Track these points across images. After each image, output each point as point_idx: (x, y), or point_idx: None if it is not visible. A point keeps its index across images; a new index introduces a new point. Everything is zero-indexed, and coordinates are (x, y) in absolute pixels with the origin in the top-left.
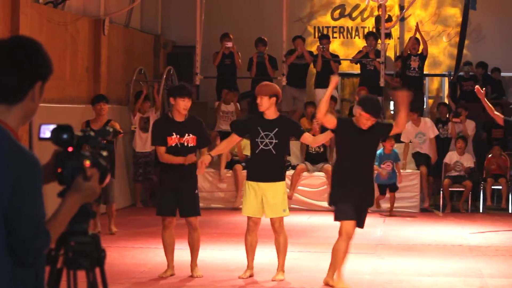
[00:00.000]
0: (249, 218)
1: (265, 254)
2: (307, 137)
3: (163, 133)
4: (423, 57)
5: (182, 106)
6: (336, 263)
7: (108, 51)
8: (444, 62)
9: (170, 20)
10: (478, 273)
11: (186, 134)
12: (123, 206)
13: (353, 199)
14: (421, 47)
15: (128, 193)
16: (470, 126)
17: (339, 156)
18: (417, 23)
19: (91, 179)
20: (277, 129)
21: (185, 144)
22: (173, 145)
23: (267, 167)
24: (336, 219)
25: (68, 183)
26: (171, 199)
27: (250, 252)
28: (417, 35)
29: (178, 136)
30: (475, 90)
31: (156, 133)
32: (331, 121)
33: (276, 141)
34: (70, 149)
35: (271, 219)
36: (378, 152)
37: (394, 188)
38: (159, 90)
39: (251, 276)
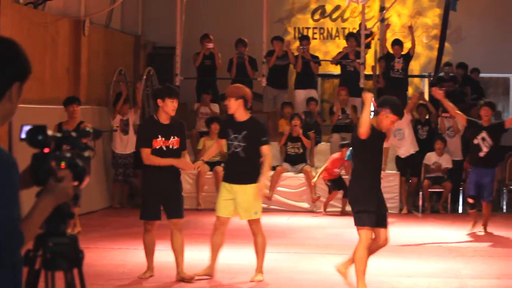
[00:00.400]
0: (217, 217)
1: (244, 255)
2: (263, 150)
3: (149, 135)
4: (408, 57)
5: (171, 107)
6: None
7: (88, 52)
8: (422, 56)
9: (150, 21)
10: (457, 274)
11: (172, 137)
12: (101, 208)
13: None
14: (406, 47)
15: (106, 194)
16: (460, 121)
17: (364, 162)
18: (410, 25)
19: (64, 180)
20: (245, 132)
21: (171, 146)
22: (158, 147)
23: (238, 169)
24: (367, 225)
25: (44, 184)
26: (157, 202)
27: (213, 252)
28: (397, 37)
29: (163, 138)
30: (431, 91)
31: (142, 135)
32: (367, 134)
33: (244, 144)
34: (46, 150)
35: (248, 221)
36: (350, 151)
37: None
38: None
39: (208, 275)
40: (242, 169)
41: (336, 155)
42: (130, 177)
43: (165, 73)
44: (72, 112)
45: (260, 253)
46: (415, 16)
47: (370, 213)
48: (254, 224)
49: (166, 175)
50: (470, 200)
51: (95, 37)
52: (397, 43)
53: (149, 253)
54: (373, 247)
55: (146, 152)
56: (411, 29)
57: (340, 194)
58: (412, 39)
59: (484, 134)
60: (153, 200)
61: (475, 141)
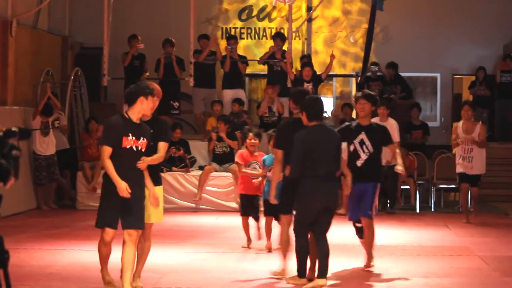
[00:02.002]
0: None
1: (172, 255)
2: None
3: (118, 133)
4: (319, 81)
5: (152, 106)
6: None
7: (15, 53)
8: (351, 63)
9: (77, 22)
10: (385, 273)
11: (141, 138)
12: (28, 209)
13: None
14: (319, 72)
15: (31, 196)
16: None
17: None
18: (332, 54)
19: None
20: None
21: (139, 148)
22: (128, 147)
23: None
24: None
25: None
26: (117, 209)
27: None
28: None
29: (134, 138)
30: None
31: (109, 131)
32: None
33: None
34: None
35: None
36: (265, 157)
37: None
38: (55, 93)
39: None
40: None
41: (243, 150)
42: (55, 175)
43: (92, 73)
44: None
45: (144, 259)
46: (343, 24)
47: None
48: (148, 228)
49: (130, 177)
50: (359, 224)
51: (22, 37)
52: (307, 64)
53: (106, 264)
54: None
55: (107, 152)
56: (332, 57)
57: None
58: (329, 66)
59: (363, 135)
60: (114, 207)
61: (351, 147)
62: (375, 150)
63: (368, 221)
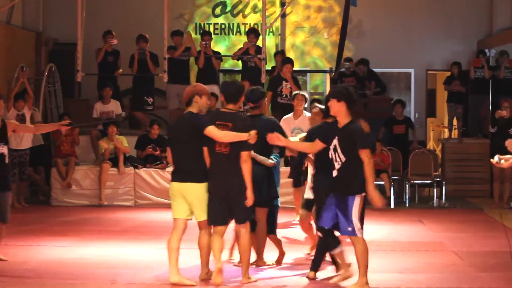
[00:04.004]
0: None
1: (148, 251)
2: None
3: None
4: (295, 77)
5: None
6: None
7: None
8: (325, 59)
9: (51, 17)
10: None
11: None
12: None
13: None
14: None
15: None
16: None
17: None
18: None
19: None
20: None
21: None
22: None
23: None
24: None
25: None
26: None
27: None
28: None
29: None
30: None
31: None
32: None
33: None
34: None
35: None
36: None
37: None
38: (30, 84)
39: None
40: None
41: None
42: (25, 177)
43: (67, 69)
44: None
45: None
46: (317, 19)
47: None
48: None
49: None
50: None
51: None
52: (288, 61)
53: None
54: None
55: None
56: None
57: None
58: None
59: (335, 141)
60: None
61: (329, 154)
62: (348, 158)
63: (353, 238)
